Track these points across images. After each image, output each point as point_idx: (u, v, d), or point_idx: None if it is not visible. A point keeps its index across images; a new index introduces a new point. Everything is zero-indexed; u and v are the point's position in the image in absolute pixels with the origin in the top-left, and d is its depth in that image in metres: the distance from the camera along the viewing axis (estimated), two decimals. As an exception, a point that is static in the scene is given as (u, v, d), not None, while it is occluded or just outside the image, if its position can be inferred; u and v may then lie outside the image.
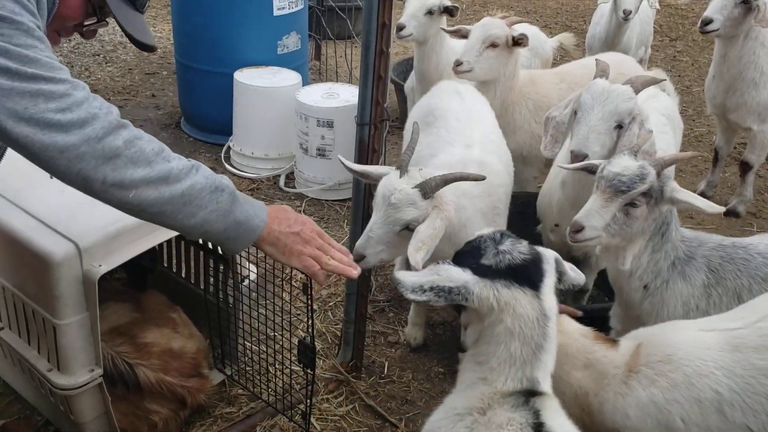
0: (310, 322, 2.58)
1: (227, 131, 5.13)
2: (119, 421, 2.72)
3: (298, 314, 3.49)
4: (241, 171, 4.99)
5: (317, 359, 3.17)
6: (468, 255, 1.79)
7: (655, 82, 3.26)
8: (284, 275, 3.53)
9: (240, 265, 2.95)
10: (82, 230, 2.47)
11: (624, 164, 2.46)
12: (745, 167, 4.77)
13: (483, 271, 1.74)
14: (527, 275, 1.75)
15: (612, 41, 5.43)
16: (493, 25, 3.85)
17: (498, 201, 3.10)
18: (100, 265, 2.45)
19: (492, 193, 3.03)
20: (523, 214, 4.00)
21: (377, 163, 2.85)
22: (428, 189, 2.54)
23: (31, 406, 2.98)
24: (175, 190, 1.76)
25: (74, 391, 2.53)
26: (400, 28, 4.20)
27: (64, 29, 1.99)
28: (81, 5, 1.92)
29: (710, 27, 4.20)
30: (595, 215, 2.45)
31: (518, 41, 3.85)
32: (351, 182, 4.73)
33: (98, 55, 6.99)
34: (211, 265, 3.05)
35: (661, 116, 3.67)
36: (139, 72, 6.70)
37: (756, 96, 4.42)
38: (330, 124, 4.55)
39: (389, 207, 2.55)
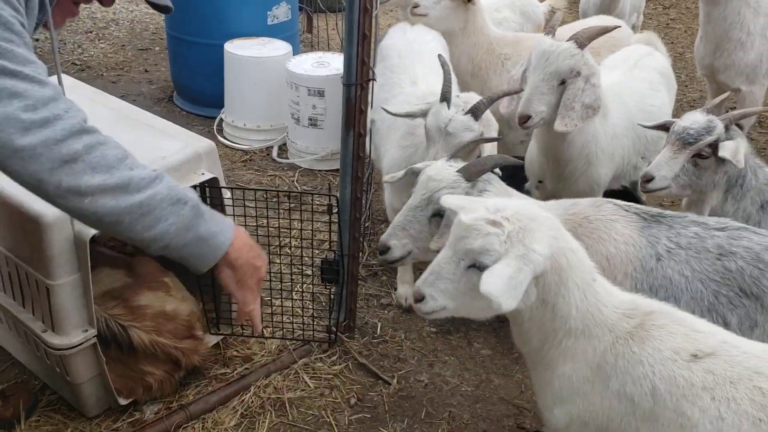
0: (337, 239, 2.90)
1: (219, 104, 5.15)
2: (114, 383, 2.76)
3: (298, 272, 3.53)
4: (234, 143, 5.01)
5: (312, 321, 3.22)
6: None
7: (604, 31, 3.17)
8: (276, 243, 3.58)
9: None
10: (72, 192, 2.49)
11: (693, 118, 2.73)
12: (735, 129, 4.78)
13: None
14: None
15: (607, 7, 5.43)
16: None
17: None
18: (91, 226, 2.48)
19: None
20: (513, 179, 4.03)
21: (364, 124, 2.87)
22: (480, 111, 2.82)
23: (28, 371, 3.03)
24: (133, 200, 1.67)
25: (69, 351, 2.57)
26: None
27: None
28: None
29: None
30: (664, 166, 2.71)
31: None
32: (343, 151, 4.78)
33: (91, 32, 6.98)
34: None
35: (656, 74, 3.70)
36: (132, 48, 6.69)
37: (743, 57, 4.44)
38: (321, 93, 4.56)
39: (447, 136, 2.82)
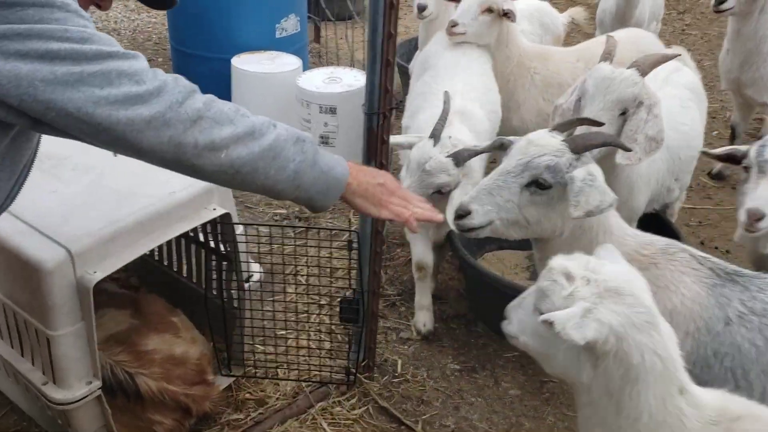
0: (356, 278, 2.76)
1: (226, 119, 4.95)
2: (121, 433, 2.57)
3: (306, 311, 3.35)
4: (242, 160, 4.81)
5: (329, 359, 3.02)
6: None
7: (665, 59, 3.06)
8: (290, 271, 3.38)
9: (243, 262, 2.80)
10: (74, 235, 2.30)
11: None
12: (763, 145, 4.59)
13: None
14: None
15: (624, 16, 5.22)
16: None
17: None
18: (95, 272, 2.28)
19: (475, 138, 3.18)
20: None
21: (386, 154, 2.67)
22: (461, 159, 2.76)
23: (28, 417, 2.84)
24: (263, 144, 1.68)
25: (72, 405, 2.37)
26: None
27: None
28: None
29: (725, 6, 4.05)
30: None
31: (506, 13, 3.75)
32: (356, 170, 4.59)
33: (91, 43, 6.78)
34: (214, 265, 2.90)
35: (685, 90, 3.52)
36: (134, 59, 6.50)
37: None
38: (333, 111, 4.37)
39: (423, 173, 2.80)
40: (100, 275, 2.28)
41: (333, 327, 3.36)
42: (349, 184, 1.84)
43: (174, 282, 3.17)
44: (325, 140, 4.45)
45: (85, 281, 2.27)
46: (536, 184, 2.15)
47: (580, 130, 2.53)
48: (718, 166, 4.90)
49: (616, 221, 2.29)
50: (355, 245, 2.65)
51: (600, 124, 2.51)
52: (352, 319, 2.83)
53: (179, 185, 2.56)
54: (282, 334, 3.16)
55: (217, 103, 1.67)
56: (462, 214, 2.21)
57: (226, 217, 2.64)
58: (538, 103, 3.85)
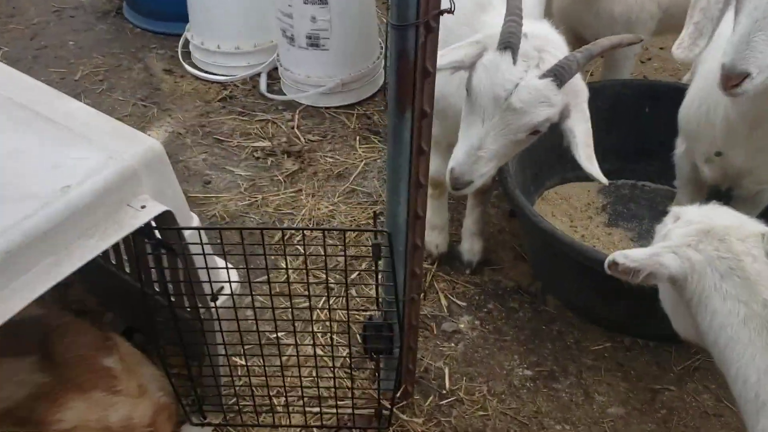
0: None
1: (184, 17, 3.76)
2: None
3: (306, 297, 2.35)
4: (207, 72, 3.67)
5: (347, 378, 2.04)
6: None
7: None
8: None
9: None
10: None
11: None
12: None
13: None
14: None
15: None
16: None
17: None
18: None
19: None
20: (615, 108, 2.79)
21: (429, 95, 1.57)
22: (567, 75, 1.78)
23: None
24: None
25: None
26: None
27: None
28: None
29: None
30: None
31: None
32: (359, 81, 3.46)
33: None
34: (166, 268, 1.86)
35: None
36: (65, -60, 5.17)
37: None
38: (323, 0, 3.19)
39: (508, 111, 1.80)
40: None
41: (351, 325, 2.37)
42: None
43: (123, 285, 2.15)
44: (314, 41, 3.29)
45: None
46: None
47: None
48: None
49: None
50: (383, 250, 1.61)
51: None
52: (382, 349, 1.83)
53: (79, 173, 1.48)
54: (272, 340, 2.19)
55: None
56: (460, 186, 1.61)
57: (166, 216, 1.57)
58: None
